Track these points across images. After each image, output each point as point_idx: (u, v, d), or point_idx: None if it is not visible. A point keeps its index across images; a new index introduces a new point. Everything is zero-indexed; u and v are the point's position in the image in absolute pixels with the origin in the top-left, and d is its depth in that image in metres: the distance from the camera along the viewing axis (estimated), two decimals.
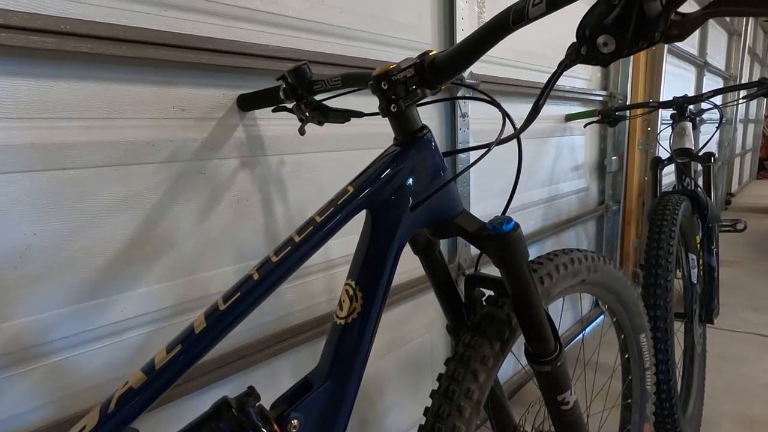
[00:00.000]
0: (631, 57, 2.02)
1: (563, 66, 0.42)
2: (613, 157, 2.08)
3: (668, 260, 1.09)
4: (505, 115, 0.56)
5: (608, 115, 1.66)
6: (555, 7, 0.38)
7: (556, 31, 1.59)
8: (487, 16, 1.29)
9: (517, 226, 0.53)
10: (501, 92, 1.39)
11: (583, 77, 1.88)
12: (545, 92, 0.45)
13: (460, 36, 1.17)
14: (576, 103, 1.86)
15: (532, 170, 1.61)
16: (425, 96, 0.50)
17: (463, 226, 0.55)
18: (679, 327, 1.34)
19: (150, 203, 0.70)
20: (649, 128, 2.50)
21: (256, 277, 0.42)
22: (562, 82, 1.71)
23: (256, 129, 0.82)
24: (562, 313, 1.92)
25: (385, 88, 0.48)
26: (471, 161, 0.76)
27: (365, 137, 1.01)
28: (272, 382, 0.90)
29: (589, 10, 0.37)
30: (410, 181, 0.51)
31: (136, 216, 0.69)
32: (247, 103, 0.78)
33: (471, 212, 0.58)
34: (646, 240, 1.18)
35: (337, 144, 0.96)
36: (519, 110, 1.48)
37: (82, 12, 0.60)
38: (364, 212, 0.50)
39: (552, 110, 1.69)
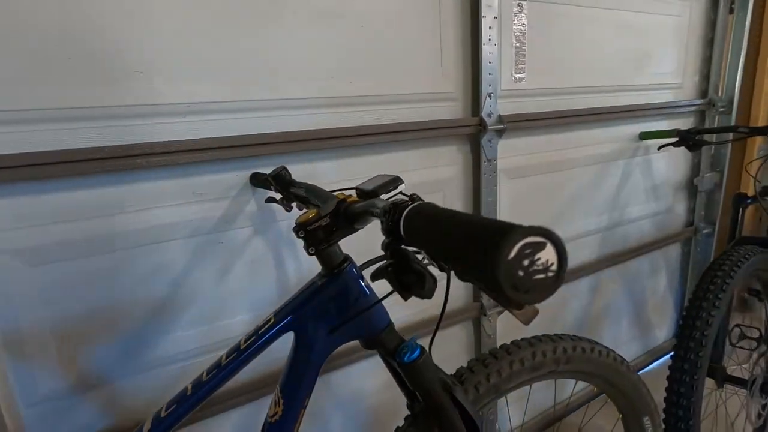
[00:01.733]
0: (744, 47, 1.70)
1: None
2: (707, 174, 1.81)
3: (704, 333, 0.99)
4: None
5: (687, 138, 1.46)
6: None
7: (599, 46, 1.43)
8: (527, 64, 1.23)
9: (422, 353, 0.58)
10: (539, 127, 1.32)
11: (672, 84, 1.65)
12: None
13: (487, 80, 1.15)
14: (661, 118, 1.65)
15: (586, 198, 1.51)
16: (345, 236, 0.57)
17: (384, 342, 0.61)
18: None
19: (177, 270, 0.88)
20: None
21: (189, 391, 0.56)
22: (637, 99, 1.54)
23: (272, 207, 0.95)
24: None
25: (302, 236, 0.56)
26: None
27: None
28: None
29: None
30: (327, 310, 0.59)
31: (167, 280, 0.88)
32: (258, 181, 0.91)
33: None
34: (687, 303, 1.07)
35: None
36: (568, 139, 1.39)
37: (121, 135, 0.78)
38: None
39: (620, 131, 1.54)
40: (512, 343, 0.77)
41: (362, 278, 0.61)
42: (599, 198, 1.55)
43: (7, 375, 0.78)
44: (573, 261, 1.52)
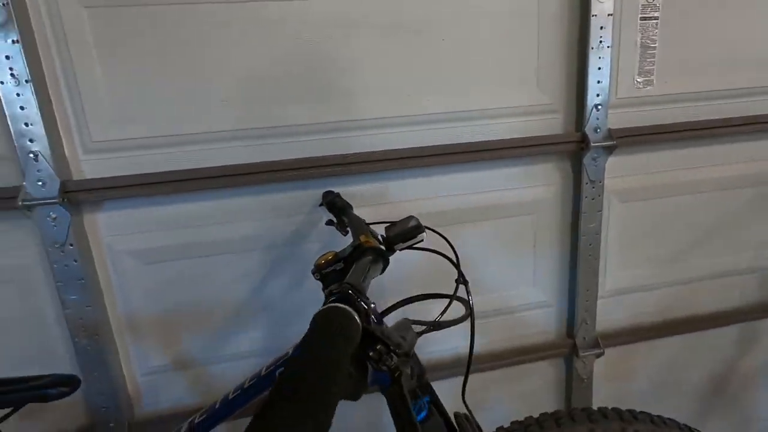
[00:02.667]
0: None
1: None
2: None
3: None
4: (456, 299, 0.55)
5: None
6: None
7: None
8: (657, 65, 1.01)
9: (429, 416, 0.53)
10: (669, 140, 1.08)
11: None
12: None
13: (594, 89, 0.98)
14: None
15: (736, 227, 1.19)
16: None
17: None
18: None
19: (257, 277, 0.98)
20: None
21: (218, 405, 0.61)
22: None
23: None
24: None
25: (318, 278, 0.56)
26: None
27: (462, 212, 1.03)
28: None
29: None
30: None
31: (249, 285, 0.98)
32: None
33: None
34: None
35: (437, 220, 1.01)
36: (711, 154, 1.12)
37: (205, 158, 0.89)
38: None
39: None
40: (569, 412, 0.66)
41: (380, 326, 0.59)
42: (759, 228, 1.21)
43: (129, 349, 0.97)
44: (710, 305, 1.23)
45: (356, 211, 0.96)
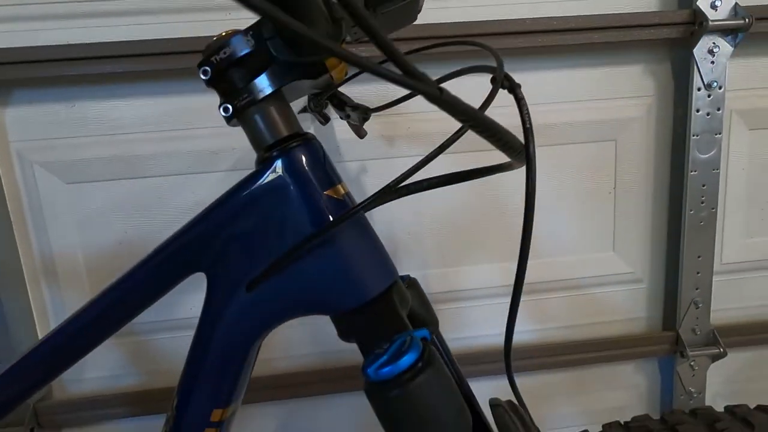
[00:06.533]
0: None
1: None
2: None
3: None
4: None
5: None
6: None
7: None
8: None
9: (418, 368, 0.22)
10: None
11: None
12: None
13: None
14: None
15: None
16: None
17: (364, 330, 0.28)
18: None
19: None
20: None
21: None
22: None
23: (330, 133, 0.70)
24: None
25: (207, 77, 0.28)
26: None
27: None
28: None
29: None
30: (246, 235, 0.29)
31: None
32: None
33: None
34: None
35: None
36: None
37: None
38: None
39: None
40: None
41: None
42: None
43: (46, 303, 0.72)
44: None
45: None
